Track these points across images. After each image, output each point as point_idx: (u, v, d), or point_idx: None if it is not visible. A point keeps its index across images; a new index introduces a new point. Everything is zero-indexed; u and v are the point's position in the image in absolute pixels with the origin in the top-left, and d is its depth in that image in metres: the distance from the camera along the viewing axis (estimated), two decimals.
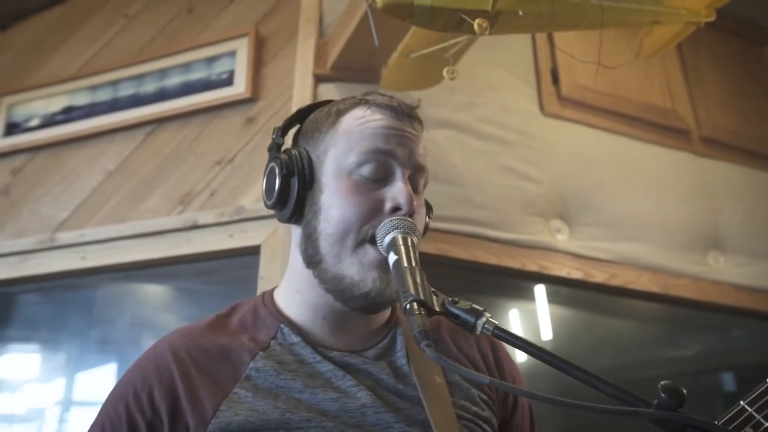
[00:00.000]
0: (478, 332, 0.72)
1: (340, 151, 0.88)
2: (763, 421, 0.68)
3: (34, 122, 2.35)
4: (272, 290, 0.97)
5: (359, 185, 0.86)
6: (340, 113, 0.91)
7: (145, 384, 0.84)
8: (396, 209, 0.85)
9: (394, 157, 0.87)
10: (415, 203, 0.86)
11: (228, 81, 2.12)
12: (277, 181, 0.89)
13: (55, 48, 2.47)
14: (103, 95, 2.30)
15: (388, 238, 0.82)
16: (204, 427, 0.79)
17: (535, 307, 2.23)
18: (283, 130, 0.96)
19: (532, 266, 2.08)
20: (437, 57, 1.70)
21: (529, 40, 2.44)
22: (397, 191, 0.86)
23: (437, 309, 0.73)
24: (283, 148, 0.94)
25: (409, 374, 0.88)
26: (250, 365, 0.85)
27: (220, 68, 2.15)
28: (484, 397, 0.93)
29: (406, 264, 0.78)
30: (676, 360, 2.62)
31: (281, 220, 0.92)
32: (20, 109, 2.39)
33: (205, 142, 2.10)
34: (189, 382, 0.83)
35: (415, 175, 0.90)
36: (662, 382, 0.62)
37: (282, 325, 0.90)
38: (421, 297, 0.72)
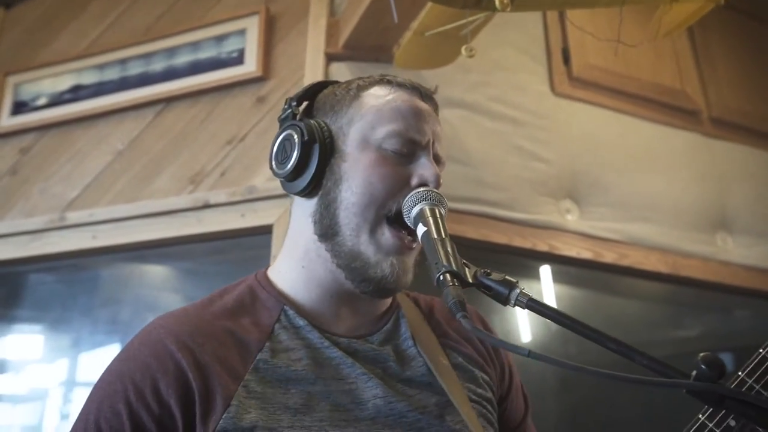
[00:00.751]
0: (511, 305, 0.72)
1: (367, 124, 0.86)
2: (762, 391, 0.68)
3: (42, 101, 2.33)
4: (264, 271, 0.92)
5: (386, 158, 0.84)
6: (361, 89, 0.90)
7: (147, 376, 0.76)
8: (422, 185, 0.83)
9: (422, 135, 0.86)
10: (440, 183, 0.85)
11: (238, 60, 2.10)
12: (296, 148, 0.86)
13: (62, 26, 2.45)
14: (111, 74, 2.28)
15: (416, 210, 0.80)
16: (215, 424, 0.74)
17: (546, 286, 2.23)
18: (299, 100, 0.93)
19: (542, 246, 2.08)
20: (452, 35, 1.69)
21: (540, 20, 2.42)
22: (424, 168, 0.84)
23: (470, 281, 0.72)
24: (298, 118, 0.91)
25: (416, 357, 0.88)
26: (258, 356, 0.80)
27: (230, 47, 2.14)
28: (486, 378, 0.93)
29: (435, 235, 0.76)
30: (680, 340, 2.63)
31: (294, 191, 0.88)
32: (27, 88, 2.37)
33: (216, 122, 2.09)
34: (200, 372, 0.76)
35: (438, 160, 0.89)
36: (702, 354, 0.62)
37: (286, 307, 0.86)
38: (454, 268, 0.71)
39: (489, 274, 0.74)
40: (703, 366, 0.61)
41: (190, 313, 0.84)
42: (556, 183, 2.20)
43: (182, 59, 2.19)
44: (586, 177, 2.25)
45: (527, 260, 2.16)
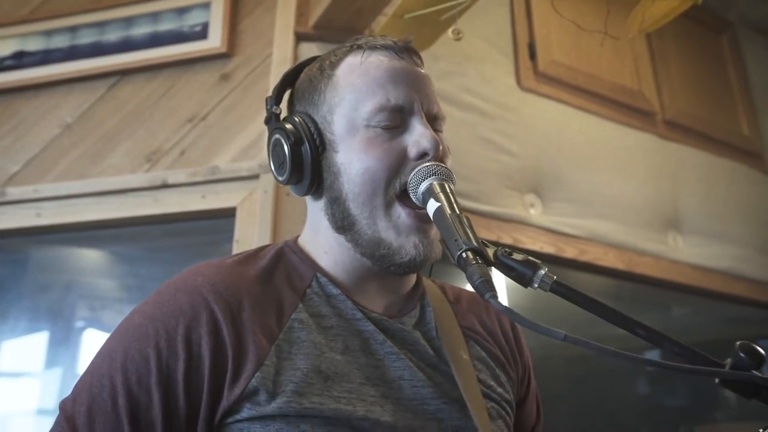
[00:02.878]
0: (535, 286, 0.68)
1: (348, 105, 0.81)
2: None
3: None
4: (294, 239, 0.89)
5: (377, 136, 0.79)
6: (334, 65, 0.84)
7: (180, 323, 0.72)
8: (423, 154, 0.78)
9: (407, 99, 0.80)
10: (441, 146, 0.79)
11: (202, 34, 2.00)
12: (287, 153, 0.82)
13: None
14: (60, 41, 2.13)
15: (423, 186, 0.75)
16: (246, 382, 0.71)
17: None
18: (277, 98, 0.88)
19: (507, 239, 2.08)
20: (431, 19, 1.66)
21: (507, 14, 2.42)
22: (418, 135, 0.79)
23: (492, 259, 0.68)
24: (282, 117, 0.87)
25: (440, 347, 0.84)
26: (293, 316, 0.77)
27: (192, 20, 2.03)
28: (507, 378, 0.90)
29: (450, 211, 0.72)
30: (620, 337, 2.70)
31: (301, 194, 0.85)
32: None
33: (175, 98, 1.98)
34: (235, 327, 0.73)
35: (435, 121, 0.83)
36: (739, 342, 0.60)
37: (318, 274, 0.83)
38: (475, 245, 0.67)
39: (510, 254, 0.70)
40: (741, 354, 0.59)
41: (230, 266, 0.80)
42: (521, 177, 2.20)
43: (140, 30, 2.06)
44: (549, 172, 2.27)
45: None
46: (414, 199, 0.77)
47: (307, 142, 0.81)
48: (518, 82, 2.32)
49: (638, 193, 2.46)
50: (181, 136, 1.92)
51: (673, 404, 2.65)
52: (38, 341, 2.11)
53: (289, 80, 0.90)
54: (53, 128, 2.03)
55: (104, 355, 0.74)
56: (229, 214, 1.79)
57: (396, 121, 0.80)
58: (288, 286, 0.81)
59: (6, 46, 2.17)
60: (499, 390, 0.86)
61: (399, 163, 0.78)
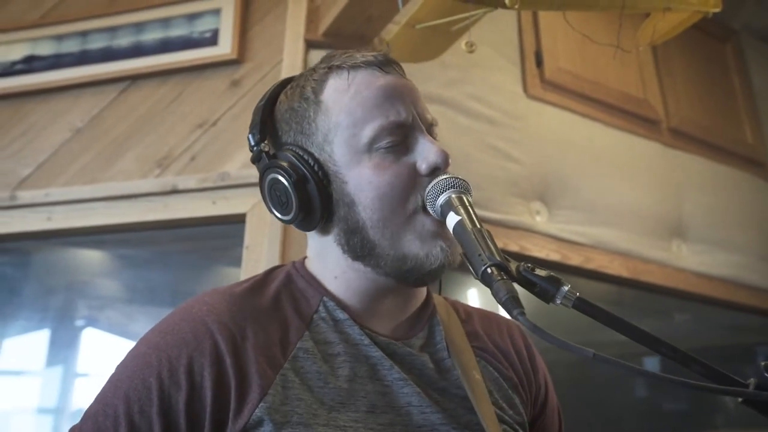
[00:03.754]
0: (557, 303, 0.68)
1: (347, 131, 0.78)
2: None
3: None
4: (302, 260, 0.87)
5: (384, 159, 0.77)
6: (317, 91, 0.81)
7: (183, 353, 0.72)
8: (434, 169, 0.77)
9: (406, 114, 0.79)
10: (449, 158, 0.78)
11: (212, 40, 2.01)
12: (291, 192, 0.79)
13: None
14: (71, 46, 2.14)
15: (441, 199, 0.74)
16: (250, 412, 0.70)
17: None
18: (261, 134, 0.84)
19: (513, 247, 2.09)
20: (442, 30, 1.67)
21: (514, 22, 2.44)
22: (426, 151, 0.78)
23: (515, 275, 0.67)
24: (272, 153, 0.83)
25: (451, 369, 0.82)
26: (298, 345, 0.76)
27: (202, 26, 2.04)
28: (520, 400, 0.88)
29: (471, 225, 0.71)
30: (624, 342, 2.71)
31: (307, 230, 0.83)
32: None
33: (185, 104, 1.99)
34: (238, 356, 0.73)
35: (432, 129, 0.82)
36: (765, 362, 0.61)
37: (325, 299, 0.81)
38: (499, 260, 0.66)
39: (533, 270, 0.69)
40: (767, 374, 0.60)
41: (236, 294, 0.79)
42: (528, 184, 2.22)
43: (151, 36, 2.08)
44: (555, 179, 2.28)
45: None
46: (432, 212, 0.76)
47: (311, 178, 0.78)
48: (525, 89, 2.34)
49: (643, 201, 2.48)
50: (192, 141, 1.93)
51: (672, 409, 2.67)
52: (42, 342, 2.12)
53: (266, 111, 0.86)
54: (64, 132, 2.04)
55: (111, 382, 0.75)
56: (239, 220, 1.80)
57: (398, 139, 0.78)
58: (294, 312, 0.80)
59: (17, 51, 2.18)
60: (511, 412, 0.85)
61: (413, 182, 0.77)
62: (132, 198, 1.91)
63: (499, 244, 2.10)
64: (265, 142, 0.84)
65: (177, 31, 2.06)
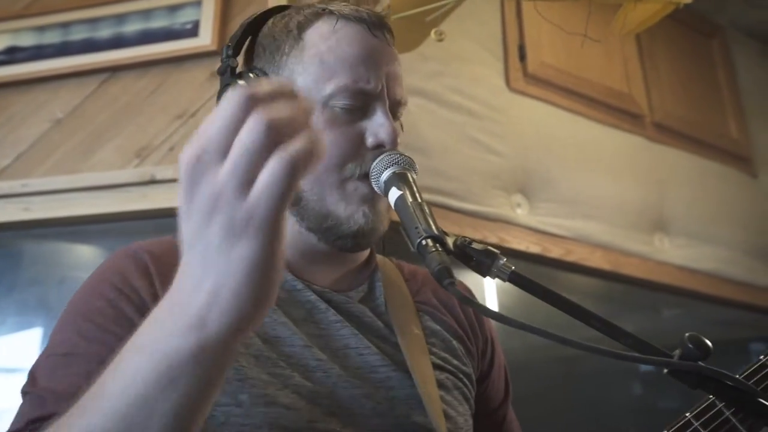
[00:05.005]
0: (493, 276, 0.69)
1: (311, 79, 0.78)
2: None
3: None
4: None
5: (336, 118, 0.78)
6: (302, 27, 0.81)
7: (126, 278, 0.74)
8: (379, 146, 0.78)
9: (374, 82, 0.78)
10: (398, 139, 0.79)
11: (192, 32, 2.02)
12: None
13: None
14: (52, 37, 2.14)
15: (386, 174, 0.75)
16: None
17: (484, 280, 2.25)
18: (235, 49, 0.84)
19: (492, 239, 2.10)
20: (418, 20, 1.67)
21: (498, 15, 2.44)
22: (378, 126, 0.78)
23: (451, 248, 0.68)
24: (237, 71, 0.83)
25: (389, 322, 0.84)
26: None
27: (183, 18, 2.04)
28: (465, 351, 0.89)
29: (411, 199, 0.71)
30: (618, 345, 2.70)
31: None
32: None
33: (165, 95, 2.00)
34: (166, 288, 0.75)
35: (397, 107, 0.83)
36: (688, 333, 0.62)
37: None
38: (436, 233, 0.67)
39: (470, 243, 0.70)
40: (690, 345, 0.61)
41: (170, 241, 0.80)
42: (509, 177, 2.22)
43: (132, 27, 2.08)
44: (537, 173, 2.29)
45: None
46: (376, 188, 0.77)
47: None
48: (507, 83, 2.35)
49: (625, 195, 2.48)
50: (171, 132, 1.94)
51: (664, 406, 2.67)
52: (31, 337, 2.12)
53: (251, 30, 0.85)
54: (44, 123, 2.05)
55: (63, 321, 0.76)
56: None
57: (358, 103, 0.78)
58: None
59: None
60: (456, 362, 0.87)
61: (355, 149, 0.78)
62: (111, 188, 1.91)
63: (479, 236, 2.10)
64: (237, 58, 0.84)
65: (158, 23, 2.06)
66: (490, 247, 0.70)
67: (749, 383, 0.63)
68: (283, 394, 0.71)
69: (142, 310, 0.71)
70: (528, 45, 2.43)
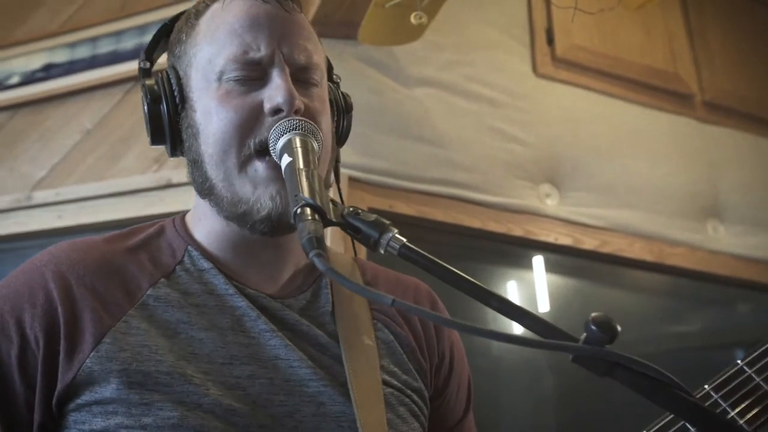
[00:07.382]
0: (382, 250, 0.63)
1: (204, 58, 0.75)
2: (763, 384, 0.63)
3: (14, 80, 2.30)
4: (185, 213, 0.85)
5: (231, 91, 0.74)
6: (199, 14, 0.79)
7: (15, 308, 0.71)
8: (277, 110, 0.72)
9: (267, 50, 0.74)
10: (303, 102, 0.73)
11: None
12: (145, 111, 0.77)
13: (37, 4, 2.41)
14: (83, 52, 2.25)
15: (282, 141, 0.70)
16: (79, 363, 0.68)
17: (527, 275, 2.16)
18: (148, 53, 0.83)
19: (517, 231, 2.01)
20: (411, 8, 1.62)
21: (524, 1, 2.34)
22: (274, 89, 0.73)
23: (334, 219, 0.63)
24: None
25: (334, 333, 0.78)
26: (149, 291, 0.74)
27: None
28: (418, 365, 0.82)
29: (301, 165, 0.66)
30: (678, 335, 2.53)
31: (170, 155, 0.81)
32: (0, 67, 2.34)
33: None
34: (71, 305, 0.70)
35: (305, 72, 0.76)
36: (593, 314, 0.54)
37: (190, 248, 0.78)
38: (316, 202, 0.61)
39: (358, 213, 0.65)
40: (593, 327, 0.53)
41: (87, 244, 0.78)
42: (535, 166, 2.12)
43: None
44: (567, 161, 2.17)
45: (503, 246, 2.08)
46: (274, 157, 0.72)
47: (164, 100, 0.76)
48: (534, 69, 2.24)
49: (671, 180, 2.31)
50: None
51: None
52: None
53: (165, 32, 0.84)
54: (75, 134, 2.15)
55: None
56: None
57: (253, 73, 0.74)
58: (151, 261, 0.77)
59: (37, 60, 2.31)
60: (404, 377, 0.80)
61: (253, 120, 0.73)
62: (133, 193, 1.98)
63: (503, 229, 2.00)
64: (147, 61, 0.83)
65: None
66: (381, 219, 0.64)
67: (665, 373, 0.55)
68: (193, 415, 0.67)
69: (28, 352, 0.69)
70: (557, 27, 2.31)
